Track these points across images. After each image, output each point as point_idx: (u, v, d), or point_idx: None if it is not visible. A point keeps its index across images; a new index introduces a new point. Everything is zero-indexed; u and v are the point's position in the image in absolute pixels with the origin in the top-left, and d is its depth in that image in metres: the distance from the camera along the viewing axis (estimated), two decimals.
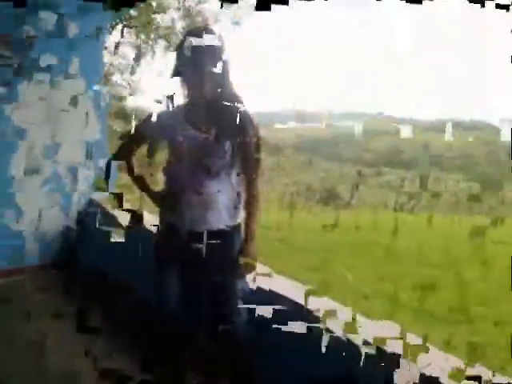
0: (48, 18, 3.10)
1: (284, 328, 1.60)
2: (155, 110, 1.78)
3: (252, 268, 1.76)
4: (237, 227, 1.78)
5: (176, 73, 1.68)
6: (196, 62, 1.58)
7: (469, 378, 1.29)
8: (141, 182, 1.92)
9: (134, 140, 1.88)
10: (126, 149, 1.93)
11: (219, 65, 1.61)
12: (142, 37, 9.49)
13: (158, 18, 9.63)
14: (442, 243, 6.21)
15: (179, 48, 1.66)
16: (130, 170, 1.93)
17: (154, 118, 1.77)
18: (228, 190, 1.73)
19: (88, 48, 3.43)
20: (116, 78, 10.50)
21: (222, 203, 1.71)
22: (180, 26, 9.67)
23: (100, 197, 3.57)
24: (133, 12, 9.08)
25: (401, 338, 1.44)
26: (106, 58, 9.84)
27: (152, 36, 9.79)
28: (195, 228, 1.71)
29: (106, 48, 9.48)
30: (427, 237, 6.65)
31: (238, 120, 1.66)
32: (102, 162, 3.57)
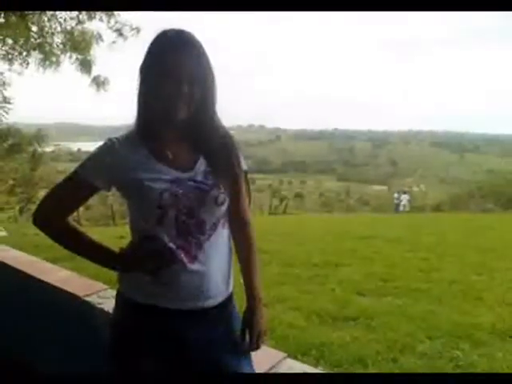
0: None
1: None
2: (101, 142, 1.13)
3: (262, 341, 1.21)
4: (230, 298, 1.23)
5: (143, 83, 1.09)
6: (174, 73, 1.04)
7: None
8: (85, 242, 1.17)
9: (74, 193, 1.14)
10: (59, 206, 1.14)
11: (203, 81, 1.08)
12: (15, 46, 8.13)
13: (33, 27, 8.35)
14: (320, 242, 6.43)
15: (151, 49, 1.09)
16: (70, 234, 1.17)
17: (102, 156, 1.11)
18: (223, 246, 1.18)
19: None
20: None
21: (218, 266, 1.15)
22: (57, 40, 8.53)
23: None
24: (1, 20, 7.78)
25: None
26: None
27: (25, 46, 8.46)
28: (187, 306, 1.13)
29: None
30: (308, 237, 6.85)
31: (225, 153, 1.17)
32: None
